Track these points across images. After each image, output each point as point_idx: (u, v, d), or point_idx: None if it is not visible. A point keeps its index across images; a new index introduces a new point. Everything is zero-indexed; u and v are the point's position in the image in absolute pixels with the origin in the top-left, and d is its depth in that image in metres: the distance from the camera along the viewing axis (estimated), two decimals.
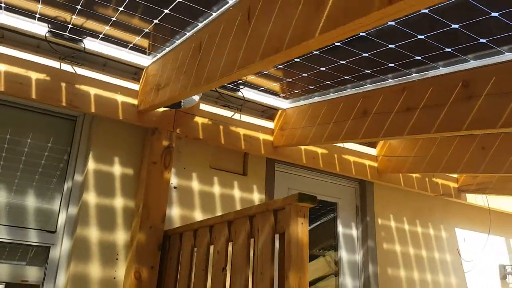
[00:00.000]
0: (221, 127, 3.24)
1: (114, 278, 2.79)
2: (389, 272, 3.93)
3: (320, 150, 3.59)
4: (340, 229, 3.89)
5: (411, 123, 2.27)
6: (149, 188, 2.87)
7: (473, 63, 2.01)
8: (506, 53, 1.86)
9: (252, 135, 3.35)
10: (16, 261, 2.75)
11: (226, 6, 1.92)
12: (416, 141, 3.54)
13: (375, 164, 3.86)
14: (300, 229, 1.77)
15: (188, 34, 2.31)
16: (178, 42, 2.44)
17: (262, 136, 3.39)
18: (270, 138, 3.42)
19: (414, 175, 4.01)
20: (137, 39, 2.53)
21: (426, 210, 4.33)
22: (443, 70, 2.17)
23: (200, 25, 2.17)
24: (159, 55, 2.72)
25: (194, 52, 2.16)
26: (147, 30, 2.37)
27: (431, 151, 3.41)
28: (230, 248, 2.19)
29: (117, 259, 2.83)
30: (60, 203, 2.89)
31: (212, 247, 2.36)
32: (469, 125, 1.98)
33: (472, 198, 4.36)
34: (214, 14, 2.02)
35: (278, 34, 1.55)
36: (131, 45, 2.63)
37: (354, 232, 3.94)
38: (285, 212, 1.81)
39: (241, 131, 3.32)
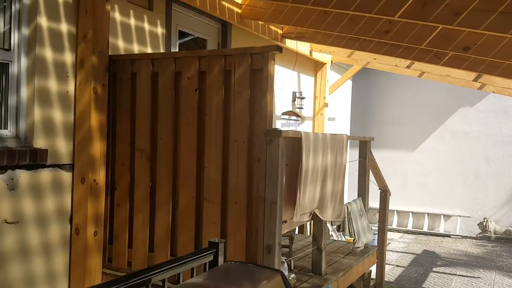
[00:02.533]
0: None
1: (67, 92, 3.33)
2: None
3: None
4: None
5: None
6: (96, 19, 3.31)
7: None
8: None
9: None
10: None
11: None
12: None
13: (239, 11, 4.93)
14: (272, 66, 2.89)
15: None
16: None
17: None
18: None
19: (260, 22, 5.26)
20: None
21: None
22: None
23: None
24: None
25: None
26: None
27: (286, 9, 4.67)
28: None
29: (67, 76, 3.32)
30: (10, 24, 3.07)
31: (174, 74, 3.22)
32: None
33: (288, 43, 5.98)
34: None
35: None
36: None
37: None
38: (263, 56, 2.88)
39: None
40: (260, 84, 2.92)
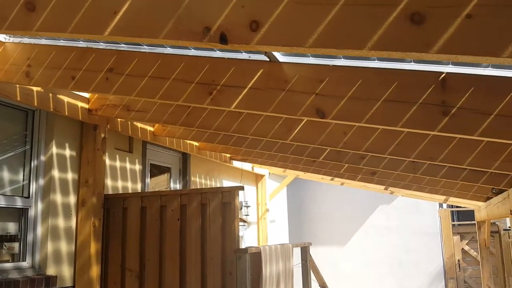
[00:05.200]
0: (129, 123, 4.77)
1: (71, 226, 4.14)
2: None
3: (168, 139, 5.50)
4: (171, 184, 5.99)
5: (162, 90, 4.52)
6: (96, 167, 4.26)
7: None
8: None
9: (143, 127, 5.00)
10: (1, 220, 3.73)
11: None
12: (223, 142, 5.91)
13: (197, 144, 6.08)
14: (237, 200, 3.95)
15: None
16: None
17: (148, 128, 5.08)
18: (152, 129, 5.14)
19: (218, 153, 6.44)
20: None
21: (213, 170, 6.90)
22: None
23: None
24: None
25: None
26: None
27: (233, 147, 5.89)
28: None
29: (71, 214, 4.16)
30: (30, 176, 3.93)
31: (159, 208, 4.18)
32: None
33: (237, 163, 7.18)
34: None
35: None
36: None
37: (178, 185, 6.11)
38: (230, 193, 3.95)
39: (139, 124, 4.92)
40: (229, 214, 3.96)
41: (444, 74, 2.11)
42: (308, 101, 2.38)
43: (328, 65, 2.34)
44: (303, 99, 2.40)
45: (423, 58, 1.23)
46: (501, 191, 4.75)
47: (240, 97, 2.54)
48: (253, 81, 2.50)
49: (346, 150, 3.42)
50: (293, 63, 2.44)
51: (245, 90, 2.52)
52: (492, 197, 5.35)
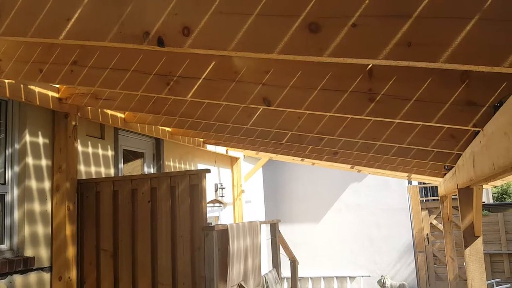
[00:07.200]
0: (99, 110, 4.96)
1: (46, 210, 4.35)
2: None
3: (140, 125, 5.71)
4: (145, 169, 6.22)
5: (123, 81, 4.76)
6: (68, 154, 4.46)
7: None
8: None
9: (113, 114, 5.20)
10: None
11: None
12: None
13: (170, 130, 6.30)
14: (205, 182, 4.22)
15: None
16: None
17: (119, 114, 5.28)
18: (122, 115, 5.34)
19: (191, 137, 6.67)
20: None
21: (186, 154, 7.13)
22: None
23: None
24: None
25: None
26: None
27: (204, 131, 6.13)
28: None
29: (46, 199, 4.37)
30: (5, 164, 4.11)
31: (130, 191, 4.42)
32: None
33: (210, 147, 7.42)
34: None
35: None
36: None
37: (152, 170, 6.34)
38: (198, 176, 4.21)
39: (109, 112, 5.12)
40: (197, 195, 4.22)
41: (370, 65, 2.38)
42: (256, 90, 2.64)
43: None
44: (251, 88, 2.65)
45: (319, 61, 1.49)
46: (452, 168, 5.11)
47: (195, 87, 2.78)
48: (206, 72, 2.73)
49: (303, 133, 3.69)
50: (242, 55, 2.68)
51: (200, 81, 2.75)
52: (446, 173, 5.72)
